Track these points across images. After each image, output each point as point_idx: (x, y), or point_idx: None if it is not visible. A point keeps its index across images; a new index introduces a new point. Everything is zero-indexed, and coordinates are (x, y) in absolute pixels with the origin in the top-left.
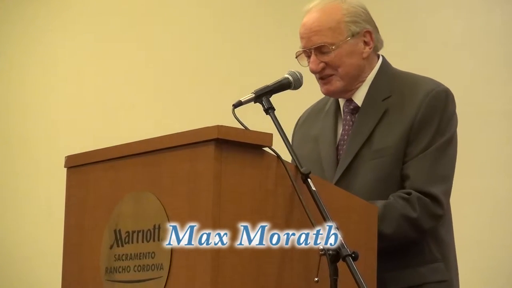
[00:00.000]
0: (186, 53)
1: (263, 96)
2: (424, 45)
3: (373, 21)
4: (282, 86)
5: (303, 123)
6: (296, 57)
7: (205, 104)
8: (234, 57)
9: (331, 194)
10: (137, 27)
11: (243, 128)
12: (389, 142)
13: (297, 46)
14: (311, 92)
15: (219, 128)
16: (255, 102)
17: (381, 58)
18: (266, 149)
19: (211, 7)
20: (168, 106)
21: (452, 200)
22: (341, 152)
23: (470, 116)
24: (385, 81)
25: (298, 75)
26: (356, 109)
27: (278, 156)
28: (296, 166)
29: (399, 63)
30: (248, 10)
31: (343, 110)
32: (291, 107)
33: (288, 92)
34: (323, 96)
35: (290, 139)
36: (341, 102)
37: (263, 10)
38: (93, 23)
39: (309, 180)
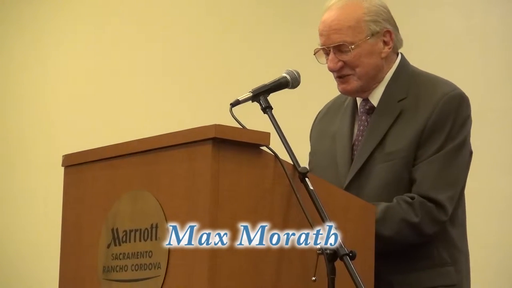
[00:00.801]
0: (184, 52)
1: (260, 95)
2: (421, 44)
3: (393, 20)
4: (280, 85)
5: (322, 118)
6: (314, 54)
7: (203, 103)
8: (232, 56)
9: (329, 193)
10: (134, 27)
11: (241, 127)
12: (401, 145)
13: (296, 45)
14: (308, 92)
15: (216, 127)
16: (252, 101)
17: (399, 56)
18: (264, 148)
19: (209, 7)
20: (166, 105)
21: None
22: (355, 152)
23: None
24: (402, 81)
25: (295, 74)
26: (372, 109)
27: (276, 155)
28: (294, 165)
29: None
30: (247, 10)
31: (359, 110)
32: (289, 106)
33: (285, 91)
34: (323, 95)
35: (288, 136)
36: (358, 100)
37: (262, 10)
38: (90, 23)
39: (306, 179)
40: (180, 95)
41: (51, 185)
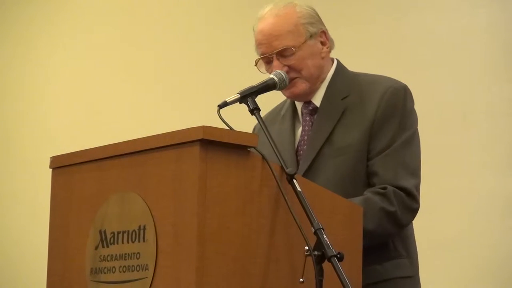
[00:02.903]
0: (173, 54)
1: (248, 96)
2: (407, 45)
3: (322, 21)
4: (268, 86)
5: (259, 131)
6: (256, 65)
7: (191, 104)
8: (220, 57)
9: (316, 194)
10: (124, 29)
11: (228, 128)
12: (350, 140)
13: None
14: None
15: (204, 128)
16: (240, 103)
17: (335, 60)
18: (252, 149)
19: (198, 8)
20: (154, 106)
21: (434, 199)
22: (301, 152)
23: (452, 116)
24: (342, 81)
25: (283, 75)
26: (315, 110)
27: (263, 157)
28: (282, 167)
29: (382, 63)
30: (236, 10)
31: (302, 112)
32: None
33: (273, 92)
34: None
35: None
36: (299, 104)
37: (251, 11)
38: (83, 26)
39: (294, 180)
40: (168, 97)
41: (39, 187)
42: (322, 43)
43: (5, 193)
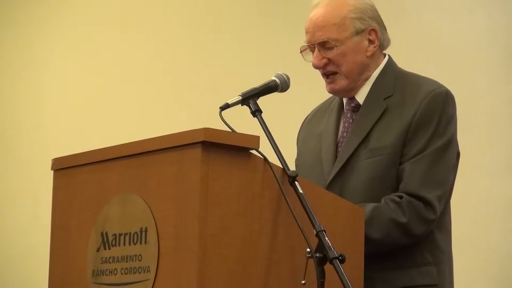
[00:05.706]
0: (174, 55)
1: (250, 98)
2: (408, 47)
3: (380, 18)
4: (269, 88)
5: (309, 121)
6: (301, 52)
7: (193, 106)
8: (223, 59)
9: (318, 196)
10: (126, 30)
11: (230, 130)
12: (386, 142)
13: (284, 49)
14: (298, 95)
15: (206, 130)
16: (242, 105)
17: (387, 57)
18: (253, 151)
19: (200, 8)
20: (156, 108)
21: None
22: (339, 149)
23: None
24: (388, 80)
25: (285, 77)
26: (357, 107)
27: (265, 159)
28: (283, 169)
29: None
30: (238, 11)
31: (345, 107)
32: (279, 109)
33: (275, 94)
34: (314, 98)
35: (277, 140)
36: (344, 99)
37: (254, 12)
38: (81, 27)
39: (296, 182)
40: (170, 99)
41: (41, 188)
42: (370, 41)
43: (6, 195)
